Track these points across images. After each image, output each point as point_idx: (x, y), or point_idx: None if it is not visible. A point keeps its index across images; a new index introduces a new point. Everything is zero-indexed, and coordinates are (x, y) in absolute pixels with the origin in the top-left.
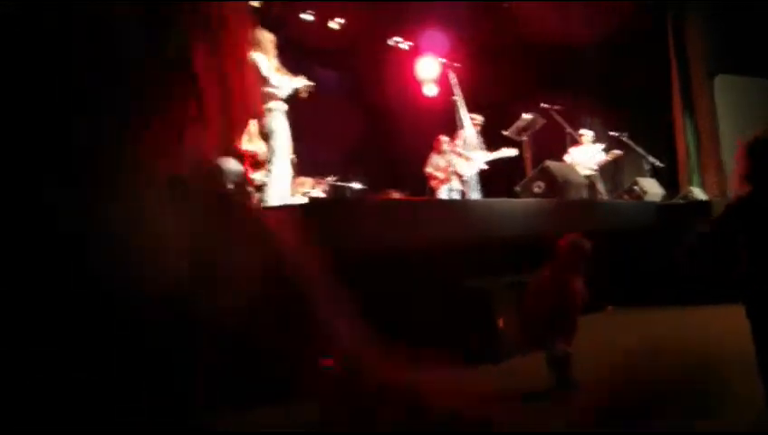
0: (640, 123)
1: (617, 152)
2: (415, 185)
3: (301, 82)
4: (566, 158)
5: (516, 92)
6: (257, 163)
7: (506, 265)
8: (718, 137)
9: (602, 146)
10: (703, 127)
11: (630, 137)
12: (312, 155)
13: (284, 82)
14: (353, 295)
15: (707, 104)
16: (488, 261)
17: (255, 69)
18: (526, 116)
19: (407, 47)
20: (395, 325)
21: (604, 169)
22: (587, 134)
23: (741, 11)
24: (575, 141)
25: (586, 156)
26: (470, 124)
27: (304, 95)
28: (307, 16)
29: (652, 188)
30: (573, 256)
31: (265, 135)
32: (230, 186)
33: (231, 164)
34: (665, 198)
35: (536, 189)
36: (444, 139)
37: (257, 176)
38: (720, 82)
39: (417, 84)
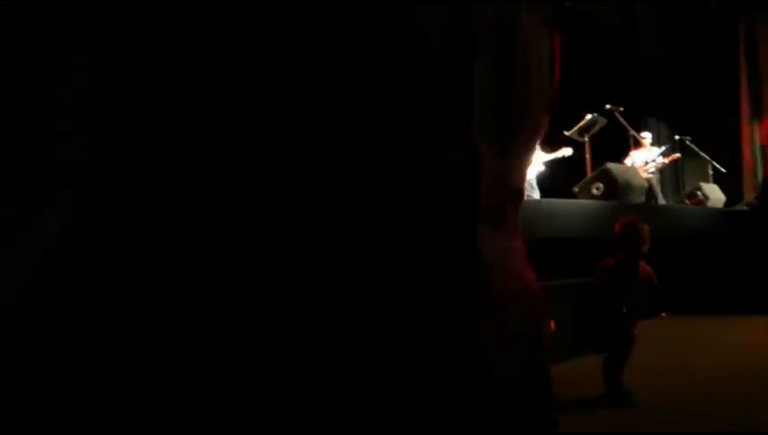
0: (705, 128)
1: (675, 155)
2: None
3: None
4: (627, 160)
5: (580, 92)
6: None
7: (563, 266)
8: None
9: (662, 149)
10: None
11: (695, 141)
12: None
13: None
14: None
15: None
16: (541, 262)
17: None
18: (589, 116)
19: None
20: None
21: (665, 173)
22: (647, 136)
23: None
24: (638, 144)
25: (646, 158)
26: None
27: None
28: None
29: (714, 194)
30: (633, 241)
31: None
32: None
33: None
34: (727, 204)
35: (595, 191)
36: None
37: None
38: None
39: None
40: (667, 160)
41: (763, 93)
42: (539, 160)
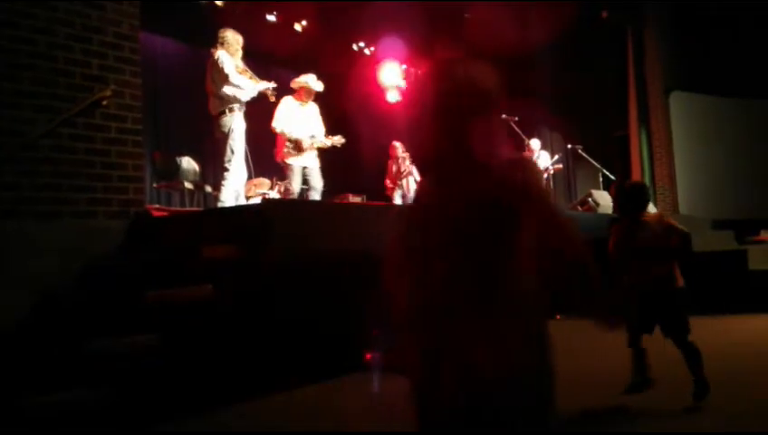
0: (597, 137)
1: (558, 166)
2: (372, 189)
3: (265, 86)
4: None
5: None
6: None
7: None
8: (672, 152)
9: (548, 155)
10: (657, 142)
11: (586, 149)
12: (273, 157)
13: (248, 84)
14: (305, 299)
15: (662, 120)
16: None
17: (220, 67)
18: None
19: (369, 52)
20: (348, 330)
21: (558, 180)
22: (535, 144)
23: (696, 31)
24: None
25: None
26: None
27: (272, 99)
28: (271, 17)
29: (605, 201)
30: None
31: (224, 134)
32: (188, 185)
33: (185, 163)
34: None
35: None
36: (396, 144)
37: None
38: (675, 98)
39: (381, 90)
40: (552, 170)
41: (649, 104)
42: None
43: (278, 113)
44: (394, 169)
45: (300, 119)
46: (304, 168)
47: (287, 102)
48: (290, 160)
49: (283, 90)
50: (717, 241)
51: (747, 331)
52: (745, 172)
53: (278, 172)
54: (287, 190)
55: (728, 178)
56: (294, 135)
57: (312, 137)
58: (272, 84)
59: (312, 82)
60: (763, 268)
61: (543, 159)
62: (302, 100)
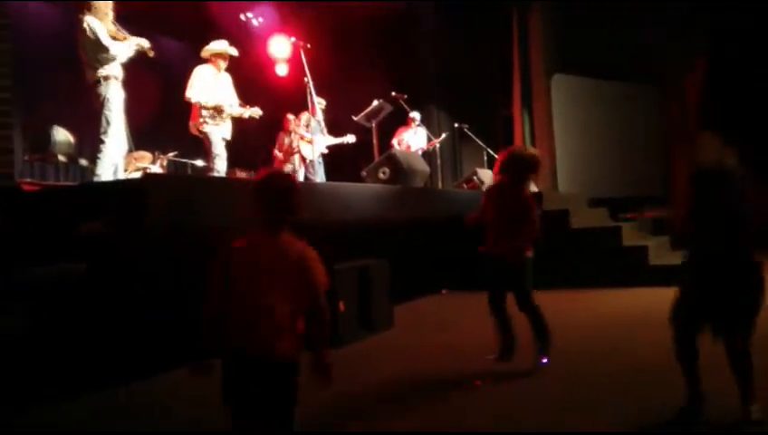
0: (483, 116)
1: (432, 142)
2: (261, 165)
3: (137, 41)
4: (394, 141)
5: (365, 78)
6: None
7: (349, 248)
8: (553, 132)
9: (425, 131)
10: (539, 122)
11: (472, 129)
12: (154, 129)
13: (121, 48)
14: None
15: (544, 101)
16: (331, 245)
17: (89, 34)
18: (375, 103)
19: (257, 23)
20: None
21: (445, 159)
22: (416, 116)
23: (578, 14)
24: (406, 123)
25: (414, 139)
26: (317, 107)
27: (151, 54)
28: None
29: (489, 179)
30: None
31: (100, 104)
32: (62, 157)
33: (58, 134)
34: None
35: (382, 175)
36: (290, 117)
37: None
38: (556, 80)
39: (271, 63)
40: (427, 146)
41: (532, 85)
42: (323, 144)
43: (193, 82)
44: (286, 141)
45: (216, 86)
46: (224, 138)
47: (202, 71)
48: (209, 129)
49: (170, 60)
50: (593, 218)
51: (609, 304)
52: (618, 152)
53: (161, 146)
54: (209, 168)
55: (603, 158)
56: (212, 102)
57: (230, 105)
58: (144, 41)
59: (227, 47)
60: (634, 244)
61: (420, 136)
62: (217, 67)
